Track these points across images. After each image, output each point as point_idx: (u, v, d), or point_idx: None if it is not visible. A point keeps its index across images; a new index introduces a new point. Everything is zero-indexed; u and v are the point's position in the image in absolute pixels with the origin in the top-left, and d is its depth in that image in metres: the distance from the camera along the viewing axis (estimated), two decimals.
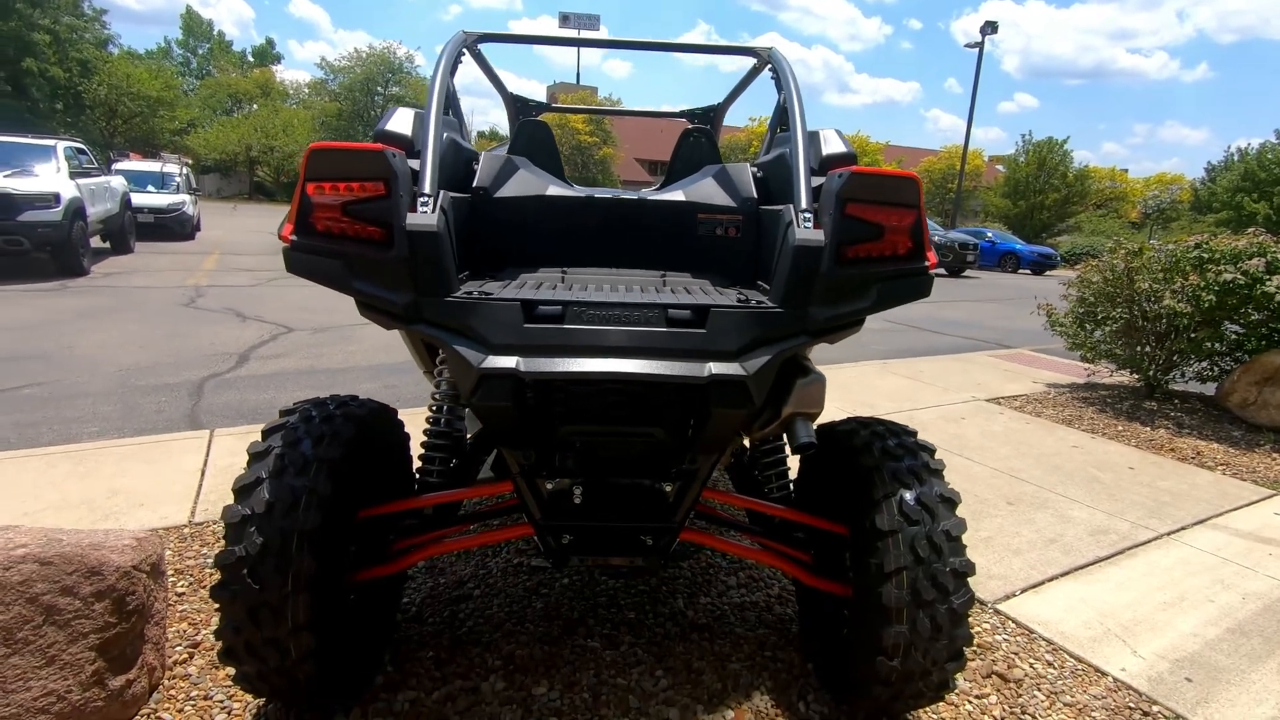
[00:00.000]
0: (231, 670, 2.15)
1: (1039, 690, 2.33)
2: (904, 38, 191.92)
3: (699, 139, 2.98)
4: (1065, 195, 37.18)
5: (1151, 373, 5.86)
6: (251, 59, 52.15)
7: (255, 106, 40.69)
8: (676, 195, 2.48)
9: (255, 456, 1.86)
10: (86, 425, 4.54)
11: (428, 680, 2.18)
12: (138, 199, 14.82)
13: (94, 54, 34.34)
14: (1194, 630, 2.71)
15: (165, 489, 3.46)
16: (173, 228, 16.09)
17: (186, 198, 16.80)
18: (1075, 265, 16.59)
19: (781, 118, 2.83)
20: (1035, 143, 38.09)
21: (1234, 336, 5.64)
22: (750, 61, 2.85)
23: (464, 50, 2.49)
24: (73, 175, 10.59)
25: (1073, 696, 2.31)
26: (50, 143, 11.09)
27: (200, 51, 49.79)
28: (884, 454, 2.00)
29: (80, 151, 12.03)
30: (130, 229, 13.81)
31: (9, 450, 3.95)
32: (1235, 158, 38.87)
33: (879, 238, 1.78)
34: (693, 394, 1.74)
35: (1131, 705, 2.28)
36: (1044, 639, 2.61)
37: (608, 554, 2.05)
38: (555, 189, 2.46)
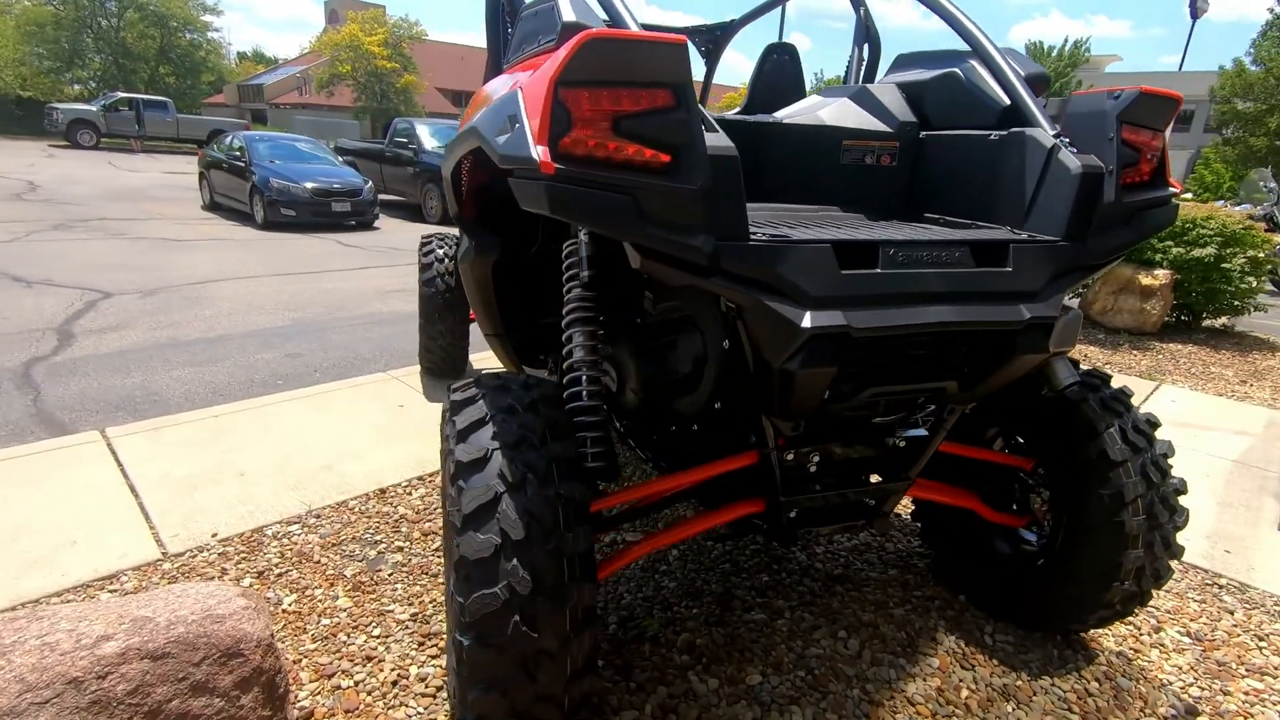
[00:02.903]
0: None
1: None
2: None
3: (782, 58, 2.70)
4: None
5: None
6: None
7: None
8: (814, 119, 2.22)
9: (469, 466, 1.40)
10: None
11: (625, 693, 1.87)
12: None
13: None
14: (1194, 509, 3.15)
15: (92, 517, 2.59)
16: None
17: None
18: None
19: (868, 35, 2.65)
20: (822, 84, 41.19)
21: None
22: None
23: None
24: None
25: None
26: None
27: None
28: (1085, 386, 2.00)
29: None
30: None
31: None
32: None
33: (1136, 163, 1.71)
34: (992, 339, 1.58)
35: (1208, 582, 2.60)
36: None
37: (838, 522, 1.87)
38: None
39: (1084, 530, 1.93)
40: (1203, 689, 2.04)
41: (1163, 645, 2.22)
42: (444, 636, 2.06)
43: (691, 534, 1.80)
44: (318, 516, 2.69)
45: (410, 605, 2.20)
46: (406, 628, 2.10)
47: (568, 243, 2.05)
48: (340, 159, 13.13)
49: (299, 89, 38.25)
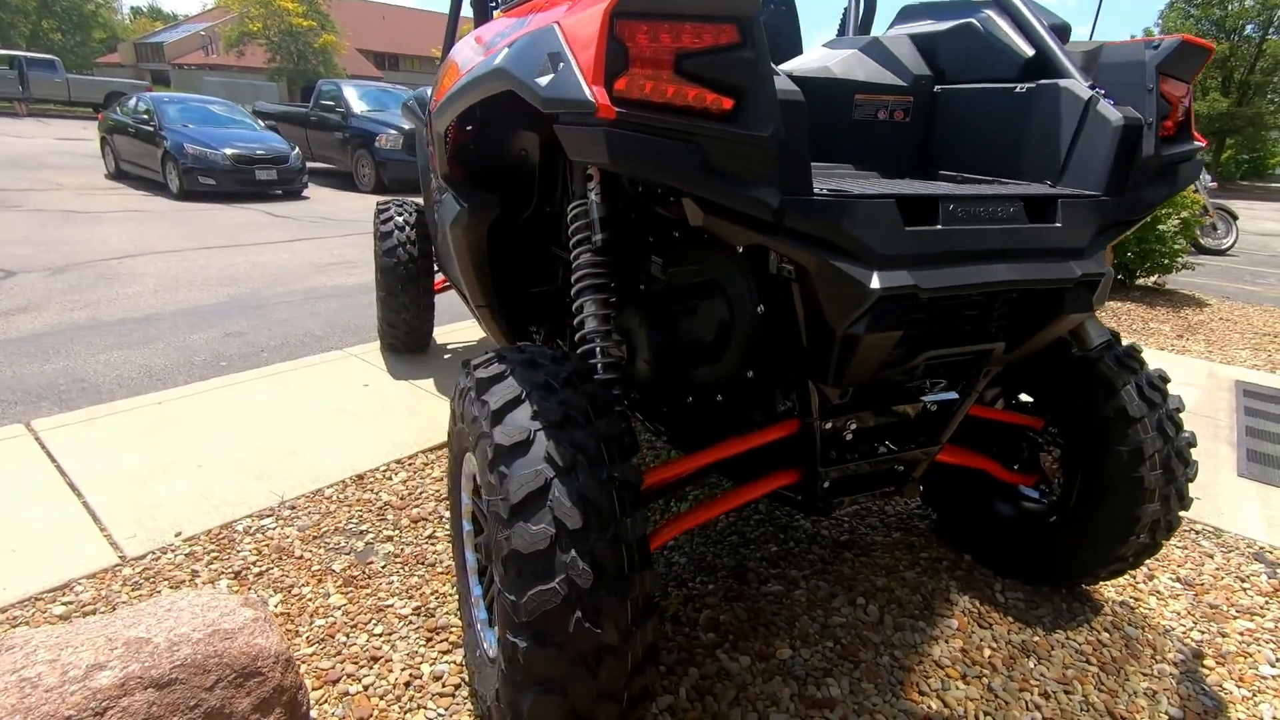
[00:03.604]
0: None
1: None
2: None
3: (779, 7, 2.57)
4: None
5: None
6: None
7: None
8: (824, 72, 2.11)
9: (512, 450, 1.26)
10: None
11: (657, 677, 1.79)
12: None
13: None
14: None
15: (30, 520, 2.31)
16: None
17: None
18: None
19: None
20: None
21: None
22: None
23: None
24: None
25: None
26: None
27: None
28: (1102, 345, 2.00)
29: None
30: None
31: None
32: None
33: (1167, 115, 1.69)
34: (1040, 298, 1.53)
35: (1185, 529, 2.71)
36: None
37: (868, 490, 1.82)
38: None
39: (1101, 486, 1.95)
40: (1202, 632, 2.12)
41: (1159, 592, 2.30)
42: (454, 630, 1.92)
43: (728, 509, 1.72)
44: (292, 508, 2.48)
45: (410, 598, 2.05)
46: (410, 623, 1.96)
47: (574, 204, 1.90)
48: (260, 124, 12.27)
49: (204, 48, 35.56)
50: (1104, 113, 1.60)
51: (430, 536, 2.35)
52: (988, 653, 1.97)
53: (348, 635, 1.90)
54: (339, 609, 2.00)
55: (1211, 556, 2.53)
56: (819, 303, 1.31)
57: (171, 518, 2.37)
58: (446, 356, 4.03)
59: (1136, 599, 2.26)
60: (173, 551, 2.21)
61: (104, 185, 10.72)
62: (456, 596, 2.06)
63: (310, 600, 2.03)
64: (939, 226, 1.34)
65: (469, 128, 2.14)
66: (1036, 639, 2.04)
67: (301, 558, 2.22)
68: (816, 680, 1.82)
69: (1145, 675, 1.93)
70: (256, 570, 2.15)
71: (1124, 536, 1.93)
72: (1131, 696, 1.85)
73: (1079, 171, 1.65)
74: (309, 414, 3.18)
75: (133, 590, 2.04)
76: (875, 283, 1.24)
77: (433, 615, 1.99)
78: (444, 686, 1.75)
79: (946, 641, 2.01)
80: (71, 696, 1.04)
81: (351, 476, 2.69)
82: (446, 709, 1.68)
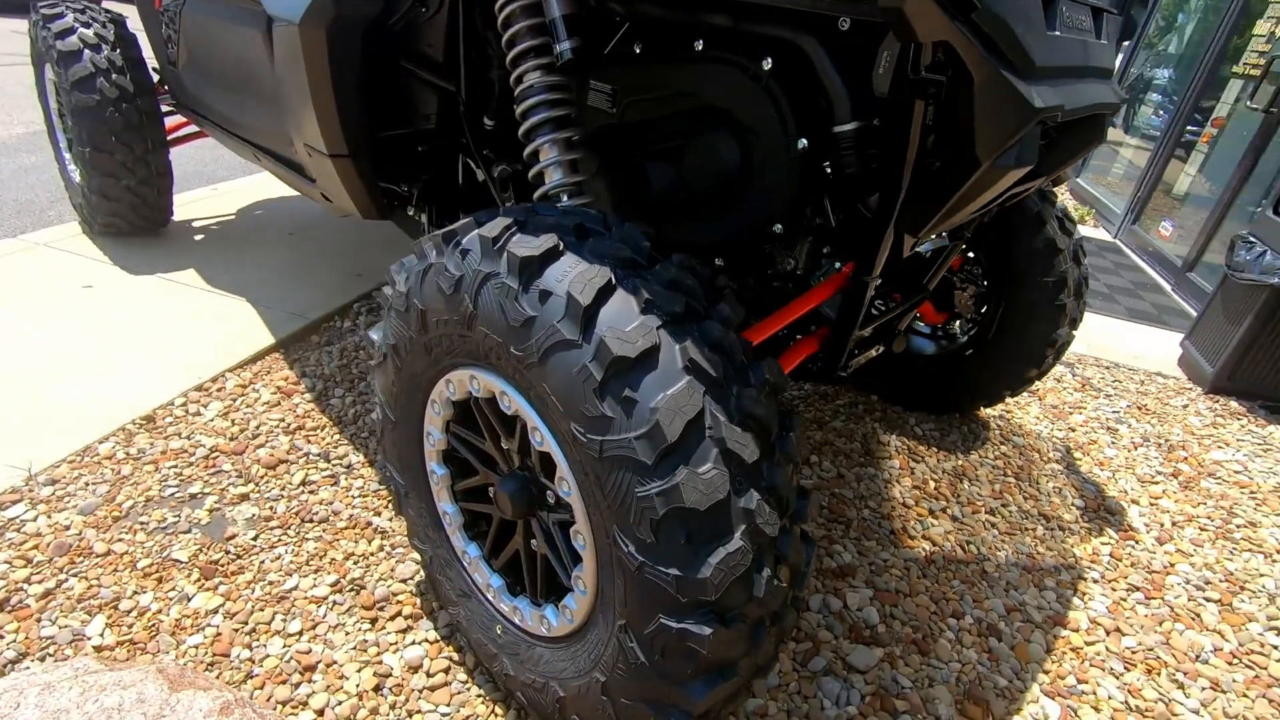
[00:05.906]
0: None
1: None
2: None
3: None
4: None
5: None
6: None
7: None
8: None
9: (636, 364, 0.83)
10: None
11: None
12: None
13: None
14: None
15: None
16: None
17: None
18: None
19: None
20: None
21: None
22: None
23: None
24: None
25: None
26: None
27: None
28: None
29: None
30: None
31: None
32: None
33: None
34: (1082, 128, 1.42)
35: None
36: None
37: (868, 348, 1.68)
38: None
39: (1023, 314, 2.06)
40: (1060, 431, 2.47)
41: (1018, 404, 2.62)
42: (399, 601, 1.45)
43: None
44: (53, 483, 1.64)
45: (318, 571, 1.50)
46: (335, 604, 1.43)
47: None
48: None
49: None
50: None
51: (304, 483, 1.73)
52: (932, 485, 2.08)
53: (251, 649, 1.33)
54: (216, 613, 1.38)
55: None
56: (969, 126, 1.03)
57: None
58: (198, 237, 2.97)
59: (1007, 412, 2.55)
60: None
61: None
62: (382, 556, 1.56)
63: (161, 614, 1.37)
64: (1057, 32, 1.12)
65: None
66: (961, 463, 2.19)
67: (109, 554, 1.48)
68: (825, 549, 1.74)
69: (1046, 476, 2.20)
70: (36, 590, 1.38)
71: (1039, 359, 2.09)
72: (1048, 497, 2.10)
73: None
74: (16, 338, 2.12)
75: None
76: (1038, 100, 0.99)
77: (363, 587, 1.48)
78: (429, 676, 1.31)
79: (899, 482, 2.06)
80: None
81: (137, 420, 1.85)
82: (449, 703, 1.27)
